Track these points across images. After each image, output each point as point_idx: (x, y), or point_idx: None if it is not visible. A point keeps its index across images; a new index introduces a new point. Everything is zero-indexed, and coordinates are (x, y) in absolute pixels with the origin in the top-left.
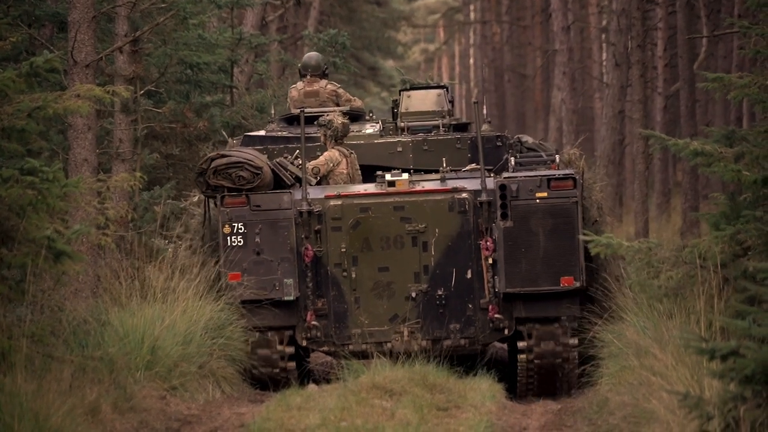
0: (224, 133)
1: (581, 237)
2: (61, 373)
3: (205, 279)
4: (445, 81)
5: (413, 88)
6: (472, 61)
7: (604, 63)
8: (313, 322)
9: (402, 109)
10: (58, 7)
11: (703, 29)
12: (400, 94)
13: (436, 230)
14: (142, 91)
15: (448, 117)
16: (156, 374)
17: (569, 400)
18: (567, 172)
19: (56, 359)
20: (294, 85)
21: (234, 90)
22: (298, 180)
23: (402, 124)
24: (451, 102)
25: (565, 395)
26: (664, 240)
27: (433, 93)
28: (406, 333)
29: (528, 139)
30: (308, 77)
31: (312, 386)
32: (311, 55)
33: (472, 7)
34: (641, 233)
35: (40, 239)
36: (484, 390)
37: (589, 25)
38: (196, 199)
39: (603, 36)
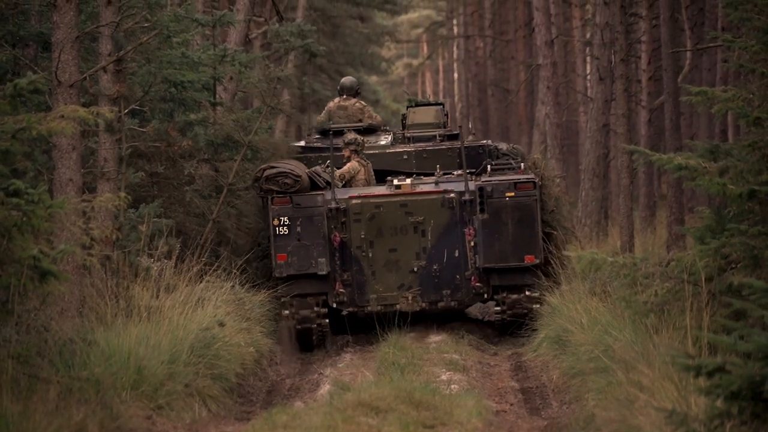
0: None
1: (539, 226)
2: (47, 393)
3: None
4: (433, 97)
5: (417, 105)
6: (456, 75)
7: (588, 77)
8: (341, 290)
9: (409, 122)
10: (42, 27)
11: (687, 43)
12: (407, 110)
13: (432, 221)
14: (126, 110)
15: (443, 128)
16: (142, 393)
17: (556, 416)
18: (528, 176)
19: (42, 380)
20: (333, 100)
21: (217, 107)
22: (328, 184)
23: (409, 135)
24: (446, 115)
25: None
26: (650, 254)
27: (432, 109)
28: (410, 297)
29: (503, 146)
30: (344, 96)
31: (298, 404)
32: (347, 79)
33: (455, 22)
34: (627, 247)
35: (25, 259)
36: (470, 407)
37: (572, 39)
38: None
39: (587, 50)
